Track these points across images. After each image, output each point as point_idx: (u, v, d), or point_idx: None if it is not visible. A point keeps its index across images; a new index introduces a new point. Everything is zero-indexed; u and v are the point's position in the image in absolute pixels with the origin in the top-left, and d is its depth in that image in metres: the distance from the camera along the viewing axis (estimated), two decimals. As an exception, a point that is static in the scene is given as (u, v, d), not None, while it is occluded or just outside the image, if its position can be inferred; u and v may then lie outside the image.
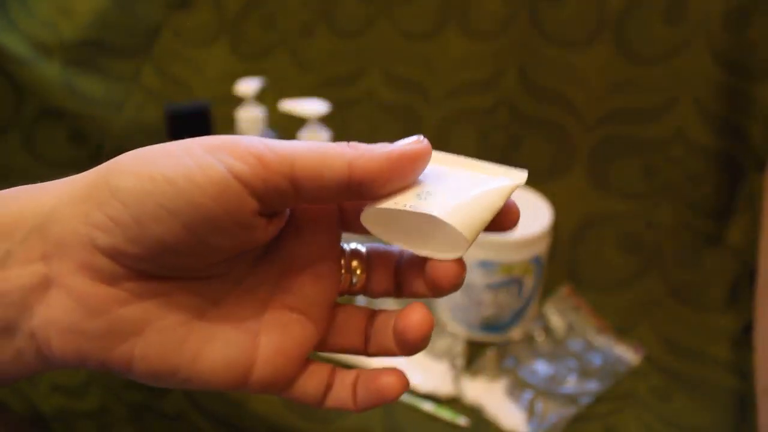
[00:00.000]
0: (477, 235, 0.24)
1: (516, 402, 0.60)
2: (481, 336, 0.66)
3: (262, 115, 0.77)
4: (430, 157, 0.24)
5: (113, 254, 0.22)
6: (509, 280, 0.63)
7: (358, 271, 0.27)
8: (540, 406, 0.59)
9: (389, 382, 0.26)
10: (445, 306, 0.67)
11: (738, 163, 0.72)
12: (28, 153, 0.92)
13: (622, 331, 0.68)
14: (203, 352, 0.24)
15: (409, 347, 0.25)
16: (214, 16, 0.97)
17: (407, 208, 0.24)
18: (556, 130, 0.77)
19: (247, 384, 0.25)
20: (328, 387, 0.27)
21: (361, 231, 0.27)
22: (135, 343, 0.23)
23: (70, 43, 0.92)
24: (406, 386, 0.26)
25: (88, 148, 0.93)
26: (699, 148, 0.73)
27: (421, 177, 0.25)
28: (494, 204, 0.25)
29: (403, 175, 0.24)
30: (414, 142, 0.24)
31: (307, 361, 0.27)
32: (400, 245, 0.26)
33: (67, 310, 0.22)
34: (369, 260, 0.28)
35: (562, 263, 0.75)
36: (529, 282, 0.64)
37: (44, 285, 0.22)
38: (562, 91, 0.77)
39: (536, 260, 0.63)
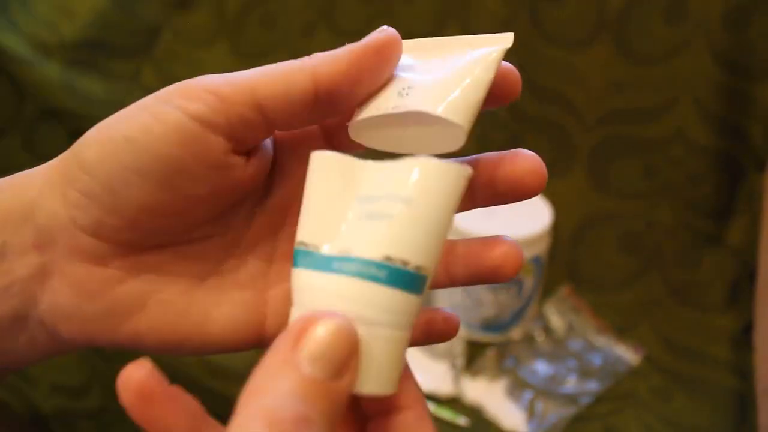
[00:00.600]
0: (474, 117, 0.21)
1: (516, 402, 0.60)
2: (481, 336, 0.66)
3: (262, 115, 0.77)
4: (399, 46, 0.22)
5: (96, 231, 0.22)
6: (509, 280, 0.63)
7: None
8: (540, 406, 0.59)
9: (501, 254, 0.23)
10: (445, 306, 0.67)
11: (738, 163, 0.72)
12: (28, 153, 0.92)
13: (622, 331, 0.68)
14: (210, 317, 0.24)
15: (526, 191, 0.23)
16: (214, 16, 0.97)
17: (391, 110, 0.22)
18: (556, 130, 0.77)
19: (263, 340, 0.24)
20: None
21: (355, 147, 0.24)
22: (139, 319, 0.23)
23: (70, 43, 0.92)
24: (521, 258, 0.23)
25: (88, 148, 0.93)
26: (699, 148, 0.72)
27: (399, 72, 0.23)
28: (484, 78, 0.22)
29: (372, 73, 0.21)
30: (377, 32, 0.22)
31: None
32: (397, 151, 0.23)
33: (67, 296, 0.22)
34: None
35: (562, 263, 0.75)
36: (529, 282, 0.64)
37: (43, 274, 0.22)
38: (562, 91, 0.77)
39: (536, 260, 0.63)
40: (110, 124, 0.22)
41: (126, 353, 0.68)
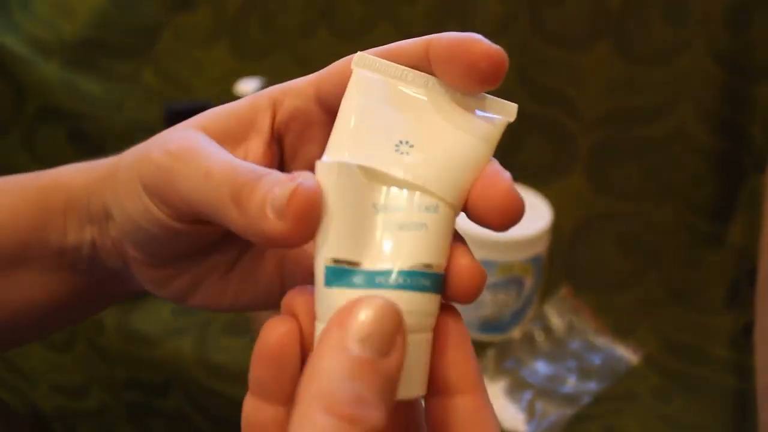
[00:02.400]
0: (466, 194, 0.21)
1: (516, 402, 0.60)
2: (481, 336, 0.66)
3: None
4: (319, 206, 0.20)
5: (140, 254, 0.26)
6: (509, 280, 0.63)
7: None
8: (540, 406, 0.59)
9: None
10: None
11: (738, 163, 0.72)
12: (28, 153, 0.92)
13: (621, 331, 0.68)
14: (242, 296, 0.27)
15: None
16: (214, 16, 0.97)
17: (384, 169, 0.20)
18: (556, 130, 0.77)
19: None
20: None
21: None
22: (194, 297, 0.27)
23: (70, 43, 0.92)
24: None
25: (88, 148, 0.93)
26: (699, 148, 0.72)
27: (398, 108, 0.22)
28: (483, 160, 0.21)
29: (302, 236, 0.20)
30: (278, 209, 0.19)
31: None
32: None
33: (145, 282, 0.27)
34: None
35: (562, 263, 0.75)
36: (529, 282, 0.64)
37: (125, 266, 0.27)
38: (562, 91, 0.77)
39: (536, 260, 0.63)
40: (122, 191, 0.25)
41: (126, 354, 0.69)
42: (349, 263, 0.20)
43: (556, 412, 0.59)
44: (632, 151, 0.75)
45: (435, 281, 0.20)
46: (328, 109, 0.24)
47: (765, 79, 0.69)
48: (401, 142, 0.21)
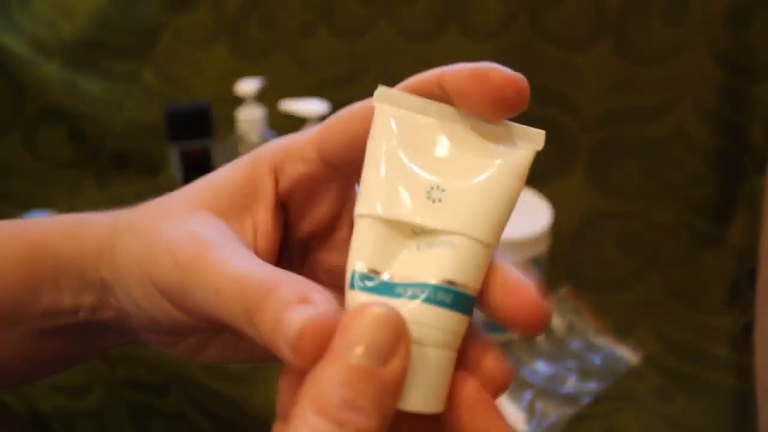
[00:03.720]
0: (503, 231, 0.21)
1: (516, 402, 0.60)
2: (481, 336, 0.66)
3: (262, 115, 0.77)
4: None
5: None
6: (509, 280, 0.63)
7: None
8: (540, 406, 0.59)
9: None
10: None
11: (738, 163, 0.72)
12: (28, 153, 0.92)
13: (622, 331, 0.68)
14: (255, 349, 0.27)
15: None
16: (214, 16, 0.97)
17: (418, 222, 0.21)
18: (556, 130, 0.77)
19: None
20: None
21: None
22: (204, 355, 0.28)
23: (70, 43, 0.92)
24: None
25: (88, 148, 0.93)
26: (699, 148, 0.72)
27: (427, 152, 0.21)
28: (515, 195, 0.21)
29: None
30: (290, 341, 0.18)
31: None
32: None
33: (153, 342, 0.27)
34: None
35: (562, 263, 0.75)
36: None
37: (130, 329, 0.27)
38: (562, 91, 0.77)
39: (536, 260, 0.63)
40: (126, 276, 0.25)
41: (126, 354, 0.68)
42: (374, 272, 0.21)
43: (556, 412, 0.59)
44: (632, 151, 0.75)
45: (459, 300, 0.20)
46: (333, 166, 0.24)
47: (765, 79, 0.69)
48: (432, 188, 0.21)
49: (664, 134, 0.73)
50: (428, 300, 0.20)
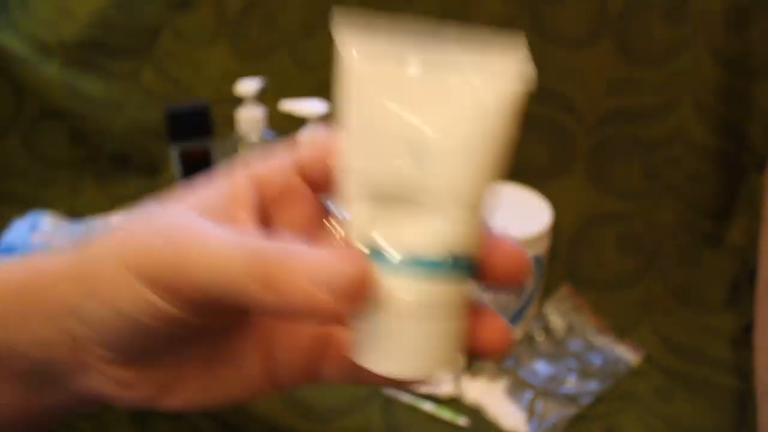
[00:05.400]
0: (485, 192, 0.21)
1: (516, 402, 0.60)
2: (481, 336, 0.66)
3: (262, 115, 0.77)
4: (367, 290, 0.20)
5: (114, 356, 0.24)
6: (509, 280, 0.63)
7: None
8: (540, 406, 0.59)
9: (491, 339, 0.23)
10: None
11: (738, 163, 0.72)
12: (28, 153, 0.92)
13: (622, 331, 0.68)
14: (232, 389, 0.26)
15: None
16: (214, 16, 0.97)
17: (405, 178, 0.20)
18: (556, 130, 0.77)
19: (281, 387, 0.27)
20: None
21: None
22: (172, 396, 0.25)
23: (70, 43, 0.92)
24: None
25: (88, 148, 0.93)
26: (699, 148, 0.73)
27: (404, 99, 0.20)
28: (502, 135, 0.21)
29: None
30: (339, 290, 0.20)
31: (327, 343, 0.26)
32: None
33: (107, 386, 0.25)
34: None
35: (562, 263, 0.75)
36: (529, 282, 0.64)
37: (85, 368, 0.24)
38: (562, 91, 0.77)
39: (536, 260, 0.63)
40: (108, 289, 0.23)
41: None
42: (380, 247, 0.21)
43: (556, 412, 0.59)
44: (632, 151, 0.75)
45: (460, 268, 0.21)
46: (310, 181, 0.25)
47: (765, 79, 0.69)
48: (415, 148, 0.20)
49: (664, 134, 0.74)
50: (430, 273, 0.20)
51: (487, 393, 0.61)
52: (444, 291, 0.20)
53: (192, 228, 0.21)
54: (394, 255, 0.20)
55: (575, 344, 0.66)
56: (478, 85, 0.20)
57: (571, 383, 0.62)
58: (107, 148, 0.93)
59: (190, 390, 0.25)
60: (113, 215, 0.82)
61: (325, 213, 0.26)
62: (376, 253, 0.21)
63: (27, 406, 0.26)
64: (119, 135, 0.93)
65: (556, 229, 0.67)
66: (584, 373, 0.63)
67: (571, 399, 0.60)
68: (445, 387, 0.61)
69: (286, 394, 0.60)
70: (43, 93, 0.91)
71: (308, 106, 0.70)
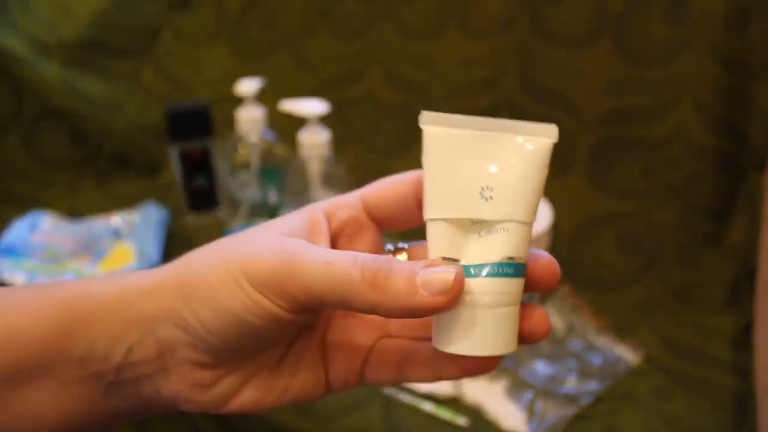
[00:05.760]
0: (535, 212, 0.27)
1: (516, 402, 0.60)
2: (481, 336, 0.66)
3: (262, 115, 0.77)
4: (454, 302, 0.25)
5: (204, 355, 0.27)
6: (509, 280, 0.63)
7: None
8: (540, 406, 0.59)
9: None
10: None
11: (738, 163, 0.72)
12: (28, 153, 0.92)
13: (622, 331, 0.68)
14: (290, 390, 0.29)
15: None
16: (214, 16, 0.97)
17: (478, 217, 0.26)
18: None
19: (331, 390, 0.30)
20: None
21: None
22: (238, 398, 0.29)
23: (70, 43, 0.92)
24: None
25: (88, 148, 0.93)
26: (699, 148, 0.73)
27: (472, 154, 0.27)
28: (544, 177, 0.27)
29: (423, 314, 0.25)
30: (438, 289, 0.24)
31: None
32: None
33: (184, 388, 0.28)
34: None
35: (562, 263, 0.74)
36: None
37: (164, 371, 0.28)
38: (562, 91, 0.77)
39: (536, 260, 0.63)
40: (214, 290, 0.26)
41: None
42: (451, 260, 0.26)
43: (556, 412, 0.59)
44: (632, 151, 0.75)
45: (517, 269, 0.26)
46: (374, 218, 0.30)
47: (765, 79, 0.69)
48: (483, 188, 0.27)
49: (664, 134, 0.74)
50: (496, 274, 0.26)
51: (487, 393, 0.61)
52: (507, 286, 0.26)
53: (298, 243, 0.26)
54: (468, 262, 0.26)
55: (575, 344, 0.66)
56: (522, 140, 0.28)
57: (571, 383, 0.62)
58: (107, 148, 0.93)
59: (254, 392, 0.29)
60: (113, 215, 0.82)
61: (382, 241, 0.31)
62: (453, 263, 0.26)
63: (98, 408, 0.28)
64: (119, 135, 0.93)
65: (556, 229, 0.67)
66: (584, 373, 0.63)
67: (571, 399, 0.60)
68: (445, 387, 0.61)
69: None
70: (43, 93, 0.91)
71: (308, 106, 0.70)
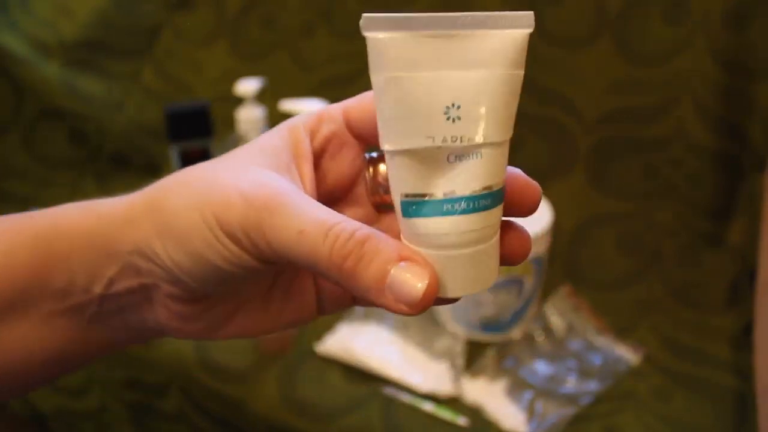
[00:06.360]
0: (510, 127, 0.23)
1: (516, 402, 0.60)
2: (481, 336, 0.66)
3: (262, 115, 0.77)
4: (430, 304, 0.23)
5: (183, 293, 0.26)
6: (509, 280, 0.63)
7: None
8: (540, 406, 0.59)
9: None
10: (445, 306, 0.67)
11: (738, 163, 0.72)
12: (28, 153, 0.92)
13: (622, 331, 0.68)
14: (282, 315, 0.29)
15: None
16: (214, 16, 0.97)
17: (441, 144, 0.22)
18: (556, 130, 0.77)
19: (323, 313, 0.29)
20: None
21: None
22: (229, 326, 0.28)
23: (70, 43, 0.92)
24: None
25: (88, 148, 0.93)
26: (699, 148, 0.73)
27: (434, 66, 0.22)
28: (518, 83, 0.23)
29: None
30: (405, 300, 0.22)
31: None
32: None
33: (170, 319, 0.27)
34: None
35: (562, 263, 0.75)
36: (529, 282, 0.64)
37: (149, 301, 0.27)
38: (562, 91, 0.77)
39: (536, 260, 0.63)
40: (185, 232, 0.25)
41: (126, 354, 0.68)
42: (419, 196, 0.23)
43: (556, 412, 0.59)
44: (632, 151, 0.75)
45: (495, 196, 0.23)
46: (356, 134, 0.28)
47: (765, 79, 0.69)
48: (448, 107, 0.22)
49: (664, 134, 0.74)
50: (474, 209, 0.22)
51: (487, 393, 0.61)
52: (486, 219, 0.23)
53: (275, 196, 0.24)
54: (439, 197, 0.22)
55: (575, 344, 0.66)
56: (491, 39, 0.22)
57: (571, 383, 0.62)
58: (107, 148, 0.93)
59: (245, 321, 0.28)
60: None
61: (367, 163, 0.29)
62: (419, 200, 0.23)
63: (85, 338, 0.28)
64: (119, 135, 0.93)
65: (556, 229, 0.67)
66: (584, 373, 0.63)
67: (571, 399, 0.60)
68: (445, 387, 0.61)
69: (286, 393, 0.60)
70: (43, 93, 0.91)
71: (308, 106, 0.70)
